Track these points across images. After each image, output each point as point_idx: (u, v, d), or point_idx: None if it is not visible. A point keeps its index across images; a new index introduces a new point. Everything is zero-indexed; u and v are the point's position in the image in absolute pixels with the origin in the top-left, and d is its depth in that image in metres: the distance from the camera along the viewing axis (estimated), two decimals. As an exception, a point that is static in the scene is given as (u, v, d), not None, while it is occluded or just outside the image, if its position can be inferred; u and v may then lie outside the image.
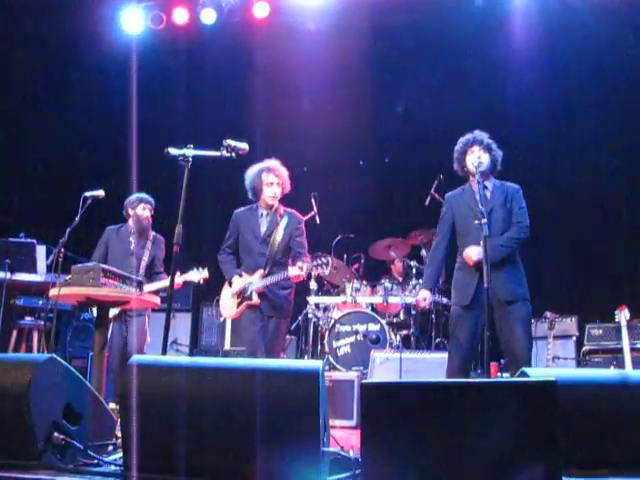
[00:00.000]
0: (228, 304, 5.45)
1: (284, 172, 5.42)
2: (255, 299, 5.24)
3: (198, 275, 6.04)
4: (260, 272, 5.30)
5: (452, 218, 4.91)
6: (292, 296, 5.51)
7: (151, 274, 6.10)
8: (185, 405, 2.75)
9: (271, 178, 5.34)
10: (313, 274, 5.40)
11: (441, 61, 8.40)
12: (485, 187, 4.72)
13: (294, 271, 5.15)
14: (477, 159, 4.68)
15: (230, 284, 5.43)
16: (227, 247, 5.52)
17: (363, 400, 2.43)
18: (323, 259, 5.23)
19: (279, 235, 5.36)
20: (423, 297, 4.95)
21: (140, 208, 6.16)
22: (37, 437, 2.87)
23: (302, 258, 5.30)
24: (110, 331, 5.66)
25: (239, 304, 5.34)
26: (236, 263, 5.52)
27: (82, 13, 8.32)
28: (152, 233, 6.26)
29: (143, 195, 6.24)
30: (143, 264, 6.08)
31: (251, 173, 5.41)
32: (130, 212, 6.20)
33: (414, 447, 2.33)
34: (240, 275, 5.39)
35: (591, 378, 2.92)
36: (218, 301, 8.24)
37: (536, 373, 2.86)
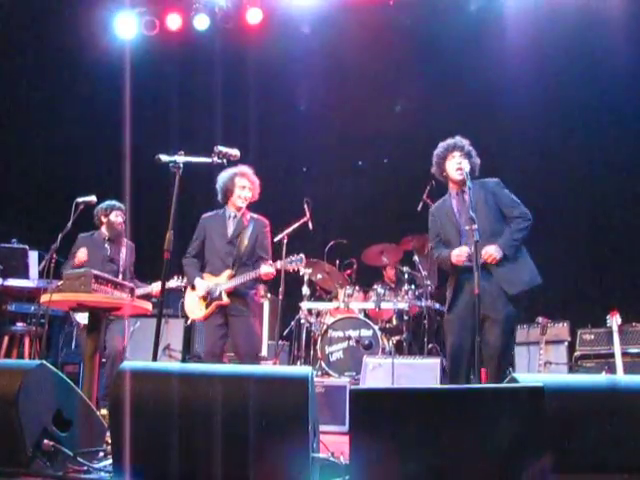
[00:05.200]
0: (196, 306, 5.46)
1: (256, 179, 5.58)
2: (225, 299, 5.29)
3: (178, 282, 6.18)
4: (228, 272, 5.37)
5: (438, 230, 4.96)
6: (258, 297, 5.66)
7: (125, 280, 6.09)
8: (175, 411, 2.74)
9: (244, 182, 5.50)
10: (293, 270, 5.56)
11: (434, 66, 8.42)
12: (464, 192, 4.74)
13: (266, 269, 5.27)
14: (458, 164, 4.71)
15: (193, 287, 5.47)
16: (192, 249, 5.56)
17: (352, 406, 2.43)
18: (296, 256, 5.44)
19: (246, 237, 5.46)
20: (465, 252, 4.61)
21: (113, 215, 6.29)
22: (26, 444, 2.86)
23: (265, 262, 5.39)
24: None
25: (208, 305, 5.37)
26: (200, 266, 5.56)
27: (76, 18, 8.32)
28: (125, 239, 6.37)
29: (115, 202, 6.35)
30: (121, 270, 6.18)
31: (224, 176, 5.51)
32: (103, 219, 6.31)
33: (403, 453, 2.33)
34: (202, 277, 5.45)
35: (580, 384, 2.93)
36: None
37: (525, 379, 2.86)
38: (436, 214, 5.00)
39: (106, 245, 6.25)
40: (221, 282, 5.34)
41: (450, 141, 4.90)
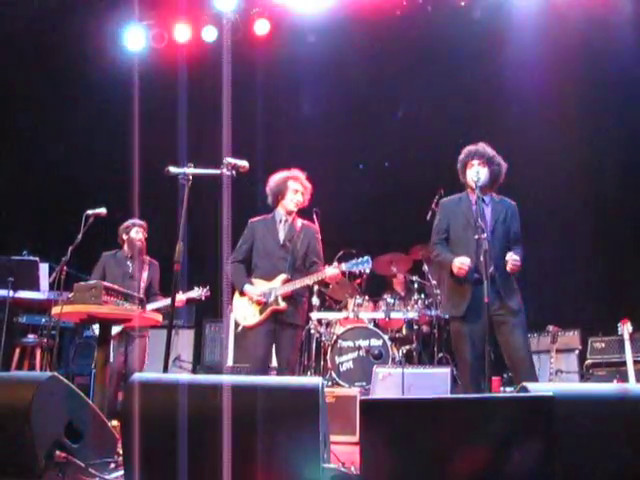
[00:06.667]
0: (248, 312, 5.23)
1: (309, 185, 5.47)
2: (282, 304, 5.11)
3: (200, 292, 6.34)
4: (283, 277, 5.20)
5: (447, 225, 4.90)
6: (306, 304, 5.52)
7: (149, 296, 6.24)
8: (186, 422, 2.75)
9: (297, 186, 5.39)
10: (360, 272, 5.43)
11: (441, 72, 8.43)
12: (484, 201, 4.73)
13: (331, 270, 5.14)
14: (476, 174, 4.69)
15: (242, 293, 5.29)
16: (239, 254, 5.39)
17: (362, 416, 2.43)
18: (362, 258, 5.25)
19: (299, 242, 5.34)
20: (468, 263, 4.57)
21: (134, 232, 6.39)
22: (39, 455, 2.88)
23: (318, 267, 5.29)
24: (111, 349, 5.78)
25: (262, 310, 5.17)
26: (246, 272, 5.39)
27: (84, 31, 8.38)
28: (148, 258, 6.48)
29: (135, 220, 6.46)
30: (142, 286, 6.29)
31: (277, 178, 5.43)
32: (124, 237, 6.43)
33: (413, 463, 2.33)
34: (251, 283, 5.27)
35: (591, 393, 2.92)
36: (222, 317, 8.29)
37: (536, 388, 2.85)
38: (449, 207, 4.96)
39: (128, 262, 6.35)
40: (275, 286, 5.18)
41: (472, 148, 4.86)
